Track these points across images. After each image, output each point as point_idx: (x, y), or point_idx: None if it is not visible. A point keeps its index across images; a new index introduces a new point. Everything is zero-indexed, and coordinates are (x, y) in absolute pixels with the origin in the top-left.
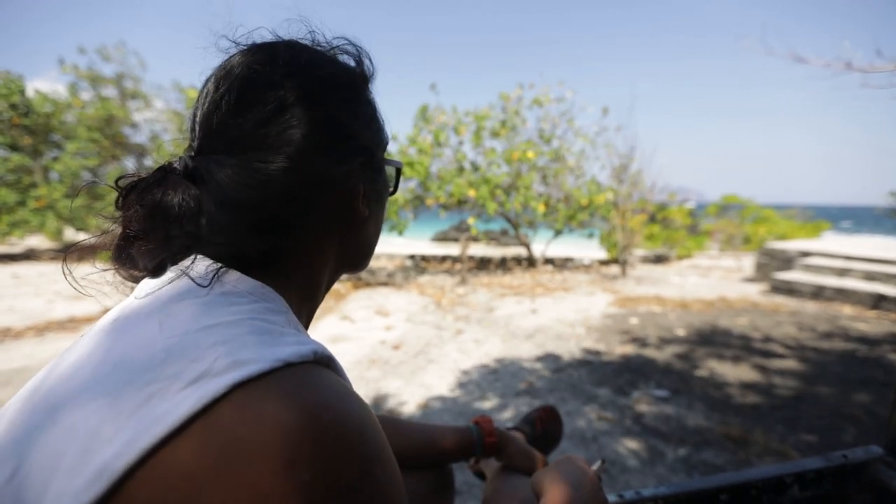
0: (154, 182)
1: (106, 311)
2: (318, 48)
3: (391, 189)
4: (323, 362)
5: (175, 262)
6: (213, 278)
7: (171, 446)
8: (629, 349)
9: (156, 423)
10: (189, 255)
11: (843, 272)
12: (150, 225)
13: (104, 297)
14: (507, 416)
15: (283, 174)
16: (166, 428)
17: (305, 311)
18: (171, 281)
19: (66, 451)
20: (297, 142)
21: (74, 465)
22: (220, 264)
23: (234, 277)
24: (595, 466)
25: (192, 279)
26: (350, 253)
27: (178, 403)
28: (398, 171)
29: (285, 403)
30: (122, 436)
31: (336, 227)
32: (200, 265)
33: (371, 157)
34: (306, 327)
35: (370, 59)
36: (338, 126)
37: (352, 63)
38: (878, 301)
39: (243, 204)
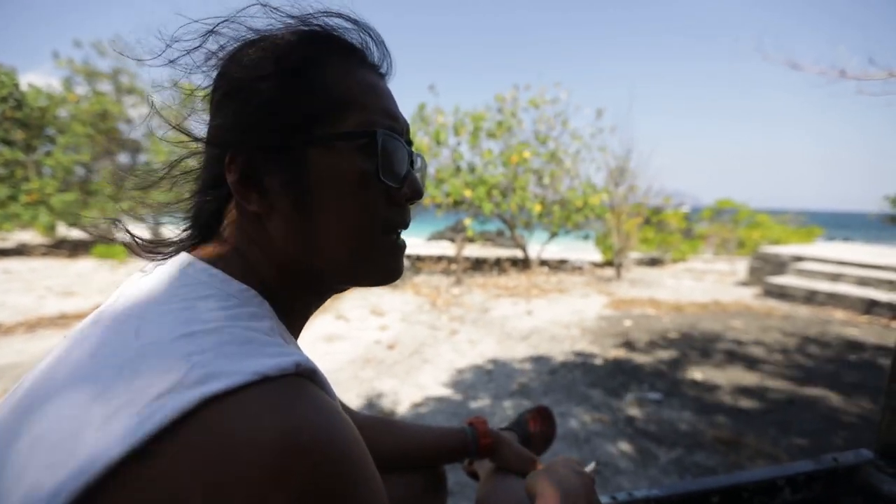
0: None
1: (96, 307)
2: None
3: (369, 173)
4: (305, 375)
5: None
6: (157, 264)
7: (137, 465)
8: (623, 351)
9: (120, 440)
10: (179, 253)
11: (835, 277)
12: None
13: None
14: (500, 417)
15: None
16: (130, 445)
17: (288, 315)
18: (151, 280)
19: (29, 464)
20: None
21: (36, 479)
22: (180, 252)
23: (218, 279)
24: (588, 468)
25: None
26: (289, 261)
27: (144, 418)
28: (379, 141)
29: (260, 421)
30: (85, 452)
31: (251, 227)
32: (179, 263)
33: (269, 134)
34: (296, 334)
35: (322, 23)
36: (218, 112)
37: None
38: (870, 306)
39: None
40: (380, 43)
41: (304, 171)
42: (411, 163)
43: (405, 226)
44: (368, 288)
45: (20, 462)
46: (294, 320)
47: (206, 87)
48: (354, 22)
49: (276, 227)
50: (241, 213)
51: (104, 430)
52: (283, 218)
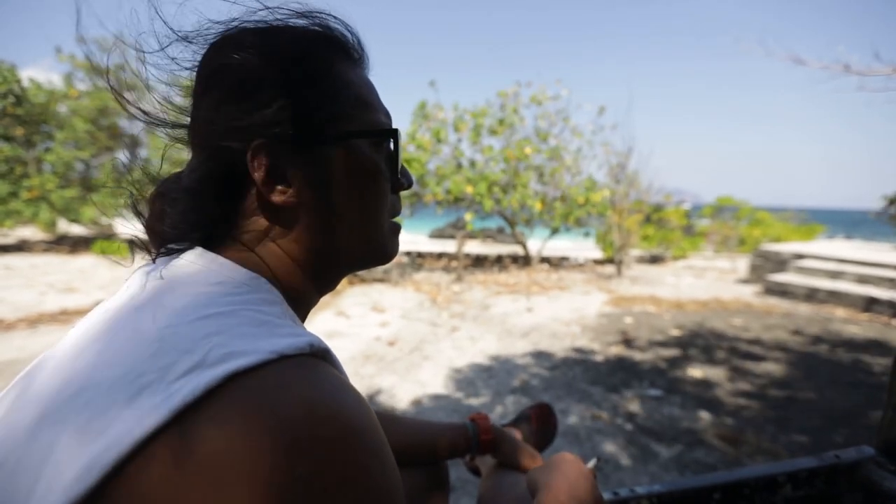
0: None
1: (98, 303)
2: (262, 27)
3: (382, 167)
4: (319, 355)
5: (170, 252)
6: (167, 259)
7: (164, 438)
8: (623, 349)
9: (148, 415)
10: (185, 247)
11: (836, 275)
12: (152, 215)
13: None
14: (501, 414)
15: (198, 163)
16: (159, 420)
17: (295, 305)
18: (162, 271)
19: (55, 444)
20: (203, 129)
21: (64, 458)
22: (194, 248)
23: (228, 268)
24: (590, 464)
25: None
26: (304, 251)
27: (170, 395)
28: (388, 143)
29: (282, 396)
30: (114, 428)
31: (269, 220)
32: (188, 254)
33: (297, 128)
34: (302, 320)
35: (327, 24)
36: (233, 102)
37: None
38: (870, 304)
39: (180, 195)
40: (363, 43)
41: (330, 165)
42: None
43: (399, 212)
44: (363, 272)
45: (46, 443)
46: (299, 313)
47: (209, 78)
48: (341, 22)
49: (298, 218)
50: (254, 205)
51: (132, 407)
52: (307, 210)
